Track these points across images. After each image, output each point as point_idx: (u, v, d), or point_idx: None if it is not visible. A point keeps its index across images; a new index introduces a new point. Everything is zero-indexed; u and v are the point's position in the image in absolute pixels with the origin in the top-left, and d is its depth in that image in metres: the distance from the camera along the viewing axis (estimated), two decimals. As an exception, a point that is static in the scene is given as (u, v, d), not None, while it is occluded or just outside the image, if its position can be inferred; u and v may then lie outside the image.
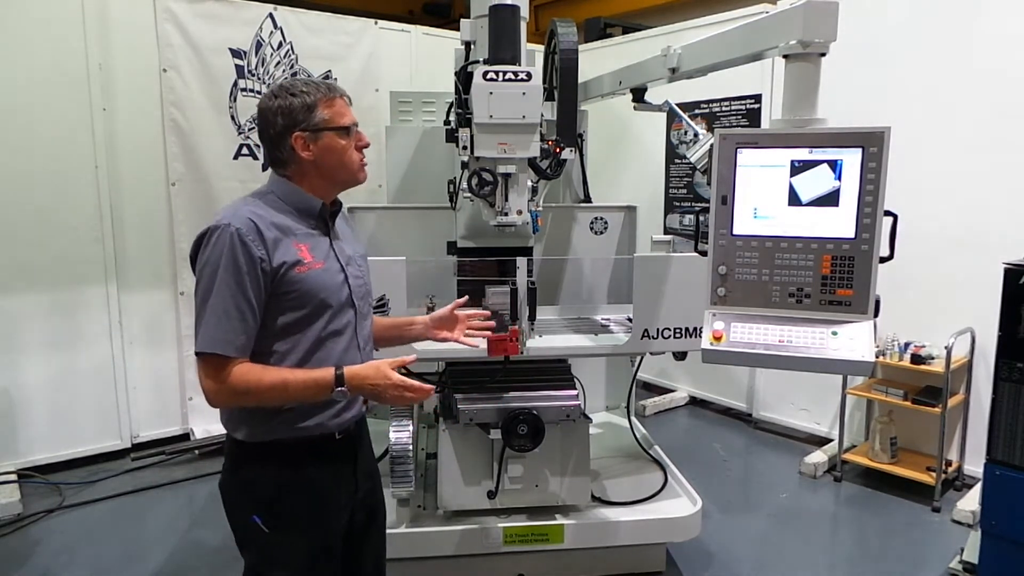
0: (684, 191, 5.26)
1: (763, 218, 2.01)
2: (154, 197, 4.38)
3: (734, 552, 3.37)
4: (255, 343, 1.73)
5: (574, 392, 2.86)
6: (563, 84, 2.81)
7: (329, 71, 4.88)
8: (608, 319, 3.18)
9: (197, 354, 1.68)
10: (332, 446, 1.83)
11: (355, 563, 2.00)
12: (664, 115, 4.14)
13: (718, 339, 2.00)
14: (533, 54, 3.11)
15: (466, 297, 2.25)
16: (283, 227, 1.76)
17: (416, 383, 1.75)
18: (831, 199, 1.93)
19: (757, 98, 4.71)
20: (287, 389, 1.69)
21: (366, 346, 1.93)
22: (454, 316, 2.18)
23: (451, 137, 2.59)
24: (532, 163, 2.59)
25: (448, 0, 9.36)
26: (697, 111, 4.99)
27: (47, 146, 4.01)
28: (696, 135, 2.75)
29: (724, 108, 4.92)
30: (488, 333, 2.24)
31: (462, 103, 2.58)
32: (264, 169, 4.69)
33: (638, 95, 3.09)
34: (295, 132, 1.76)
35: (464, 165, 2.54)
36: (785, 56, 2.04)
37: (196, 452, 4.33)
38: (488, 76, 2.42)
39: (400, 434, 2.77)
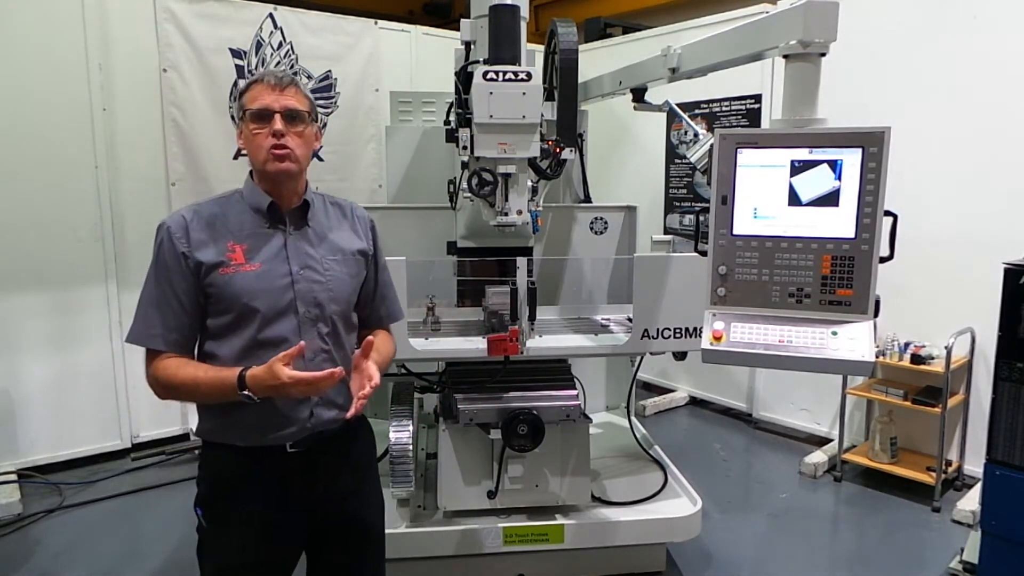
0: (684, 191, 5.26)
1: (763, 218, 2.01)
2: (154, 197, 4.37)
3: (734, 552, 3.37)
4: (200, 343, 1.77)
5: (574, 392, 2.86)
6: (563, 84, 2.81)
7: (329, 71, 4.88)
8: (608, 319, 3.18)
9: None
10: (281, 458, 1.77)
11: None
12: (664, 115, 4.14)
13: (718, 339, 2.00)
14: (533, 54, 3.11)
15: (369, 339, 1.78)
16: (223, 226, 1.76)
17: (312, 375, 1.59)
18: (831, 199, 1.93)
19: (757, 98, 4.71)
20: (198, 387, 1.69)
21: (315, 357, 1.78)
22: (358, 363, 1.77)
23: (451, 137, 2.59)
24: (532, 163, 2.59)
25: (448, 0, 9.36)
26: (697, 111, 4.99)
27: (47, 146, 4.01)
28: (696, 135, 2.76)
29: (724, 108, 4.92)
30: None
31: (462, 103, 2.58)
32: (264, 169, 4.70)
33: (638, 95, 3.10)
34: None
35: (464, 165, 2.54)
36: (785, 56, 2.04)
37: (196, 452, 4.32)
38: (488, 76, 2.43)
39: (400, 434, 2.77)
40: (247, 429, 1.75)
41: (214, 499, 1.81)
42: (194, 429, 1.85)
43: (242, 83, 1.82)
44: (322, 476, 1.84)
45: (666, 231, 5.34)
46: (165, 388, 1.72)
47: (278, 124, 1.73)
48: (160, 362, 1.71)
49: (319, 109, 5.06)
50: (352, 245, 1.90)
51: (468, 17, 2.84)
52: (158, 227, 1.75)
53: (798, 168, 1.96)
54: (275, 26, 4.65)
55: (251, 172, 1.85)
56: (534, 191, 2.68)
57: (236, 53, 4.53)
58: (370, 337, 1.78)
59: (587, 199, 3.75)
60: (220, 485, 1.80)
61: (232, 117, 4.54)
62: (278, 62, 4.67)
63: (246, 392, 1.63)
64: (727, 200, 2.03)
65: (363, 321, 1.97)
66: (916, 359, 3.83)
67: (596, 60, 4.22)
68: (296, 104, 1.76)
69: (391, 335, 2.05)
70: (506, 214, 2.56)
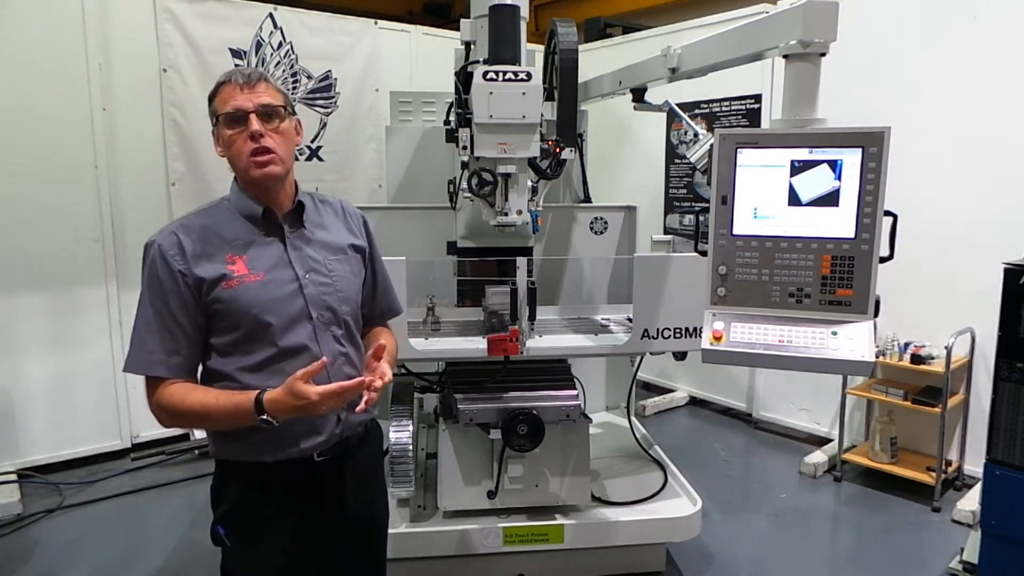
0: (684, 191, 5.26)
1: (763, 218, 2.01)
2: (154, 197, 4.37)
3: (734, 552, 3.37)
4: (204, 362, 1.68)
5: (574, 392, 2.85)
6: (563, 84, 2.81)
7: (329, 71, 4.88)
8: (608, 319, 3.18)
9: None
10: (309, 468, 1.73)
11: None
12: (664, 115, 4.14)
13: (718, 339, 2.00)
14: (533, 54, 3.11)
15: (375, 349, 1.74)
16: (217, 238, 1.67)
17: (340, 385, 1.55)
18: (831, 199, 1.93)
19: (757, 98, 4.71)
20: (208, 414, 1.60)
21: (335, 361, 1.73)
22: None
23: (451, 137, 2.59)
24: (532, 163, 2.59)
25: (448, 0, 9.36)
26: (697, 111, 4.99)
27: (47, 146, 4.01)
28: (696, 135, 2.75)
29: (724, 108, 4.91)
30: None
31: (462, 103, 2.58)
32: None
33: (638, 95, 3.09)
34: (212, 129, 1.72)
35: (464, 165, 2.54)
36: (785, 56, 2.04)
37: (196, 452, 4.33)
38: (488, 76, 2.42)
39: (400, 434, 2.77)
40: (274, 446, 1.67)
41: (239, 517, 1.74)
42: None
43: (212, 90, 1.70)
44: (347, 482, 1.82)
45: (666, 231, 5.34)
46: (172, 416, 1.63)
47: (255, 124, 1.64)
48: (164, 389, 1.62)
49: (319, 109, 5.11)
50: (349, 242, 1.86)
51: (468, 17, 2.84)
52: (146, 247, 1.65)
53: (798, 168, 1.96)
54: (275, 26, 4.65)
55: (235, 178, 1.76)
56: (534, 191, 2.68)
57: (236, 53, 4.53)
58: (382, 342, 1.75)
59: (587, 199, 3.75)
60: (246, 505, 1.73)
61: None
62: (278, 62, 4.68)
63: (265, 417, 1.54)
64: (727, 200, 2.03)
65: (365, 318, 1.93)
66: (916, 359, 3.83)
67: (596, 60, 4.22)
68: (270, 99, 1.67)
69: (391, 332, 2.02)
70: (506, 214, 2.56)
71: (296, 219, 1.78)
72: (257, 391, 1.57)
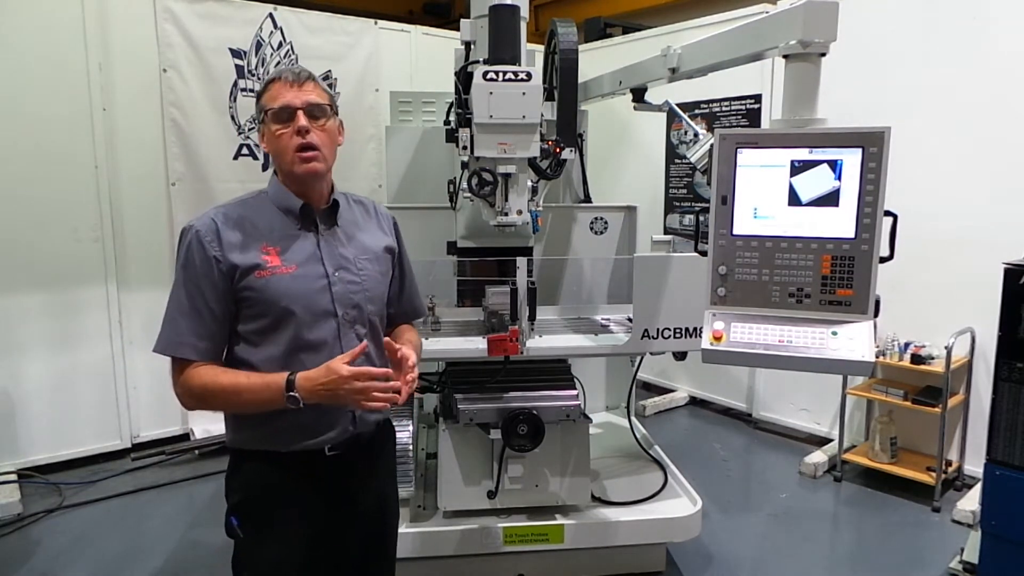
0: (684, 191, 5.26)
1: (763, 218, 2.01)
2: (154, 197, 4.38)
3: (734, 552, 3.37)
4: (230, 348, 1.72)
5: (574, 392, 2.86)
6: (563, 84, 2.81)
7: (329, 71, 4.88)
8: (608, 319, 3.18)
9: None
10: (320, 461, 1.76)
11: None
12: (664, 115, 4.14)
13: (718, 339, 2.00)
14: (533, 54, 3.11)
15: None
16: (254, 228, 1.71)
17: (369, 369, 1.60)
18: (831, 199, 1.93)
19: (757, 98, 4.71)
20: (240, 394, 1.63)
21: (353, 361, 1.72)
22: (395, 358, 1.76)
23: (451, 137, 2.59)
24: (532, 163, 2.59)
25: (448, 0, 9.36)
26: (697, 111, 4.99)
27: (47, 146, 4.01)
28: (696, 135, 2.75)
29: (724, 108, 4.92)
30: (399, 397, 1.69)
31: (462, 103, 2.57)
32: (264, 169, 4.70)
33: (638, 95, 3.09)
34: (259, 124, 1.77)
35: (464, 165, 2.53)
36: (785, 56, 2.04)
37: (196, 452, 4.33)
38: (488, 76, 2.42)
39: (400, 434, 2.76)
40: (290, 435, 1.71)
41: (252, 507, 1.76)
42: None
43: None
44: (360, 476, 1.85)
45: (666, 231, 5.34)
46: (198, 398, 1.67)
47: (302, 121, 1.69)
48: (192, 371, 1.65)
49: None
50: (380, 243, 1.89)
51: (468, 17, 2.84)
52: (183, 231, 1.70)
53: (798, 168, 1.96)
54: (275, 26, 4.65)
55: (275, 172, 1.81)
56: (534, 191, 2.68)
57: (236, 53, 4.53)
58: (387, 339, 1.79)
59: (587, 199, 3.75)
60: (258, 493, 1.76)
61: (232, 117, 4.55)
62: (278, 62, 4.67)
63: (293, 394, 1.59)
64: (727, 200, 2.03)
65: (390, 318, 1.96)
66: (916, 359, 3.83)
67: (596, 60, 4.22)
68: (317, 98, 1.73)
69: (416, 330, 2.05)
70: (506, 214, 2.56)
71: (330, 217, 1.82)
72: (288, 372, 1.62)
